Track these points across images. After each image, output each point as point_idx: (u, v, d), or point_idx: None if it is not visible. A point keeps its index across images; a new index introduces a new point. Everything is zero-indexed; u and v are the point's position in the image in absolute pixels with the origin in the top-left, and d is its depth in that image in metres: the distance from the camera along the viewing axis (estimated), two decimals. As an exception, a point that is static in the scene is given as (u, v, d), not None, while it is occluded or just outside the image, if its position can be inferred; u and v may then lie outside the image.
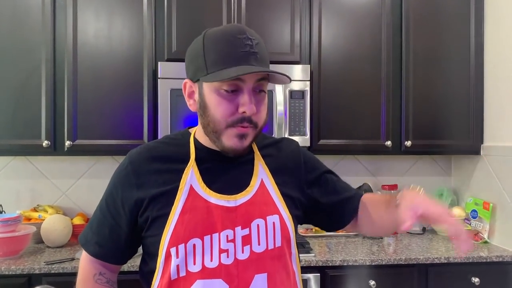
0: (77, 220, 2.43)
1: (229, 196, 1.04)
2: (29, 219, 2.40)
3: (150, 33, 2.32)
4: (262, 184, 1.09)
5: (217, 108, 1.00)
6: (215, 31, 1.02)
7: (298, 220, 1.14)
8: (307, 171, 1.18)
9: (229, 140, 1.02)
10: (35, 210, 2.47)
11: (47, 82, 2.26)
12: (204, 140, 1.09)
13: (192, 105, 1.08)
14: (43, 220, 2.32)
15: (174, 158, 1.08)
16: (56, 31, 2.28)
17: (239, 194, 1.05)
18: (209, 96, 1.01)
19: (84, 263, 1.13)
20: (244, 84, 0.99)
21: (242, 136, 1.02)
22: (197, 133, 1.11)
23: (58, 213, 2.44)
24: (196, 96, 1.06)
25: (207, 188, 1.04)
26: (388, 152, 2.48)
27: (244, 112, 0.99)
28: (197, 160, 1.07)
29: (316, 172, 1.20)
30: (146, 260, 1.09)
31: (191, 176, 1.05)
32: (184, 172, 1.05)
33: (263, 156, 1.13)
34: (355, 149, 2.46)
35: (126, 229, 1.07)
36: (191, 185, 1.04)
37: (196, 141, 1.11)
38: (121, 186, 1.07)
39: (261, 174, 1.10)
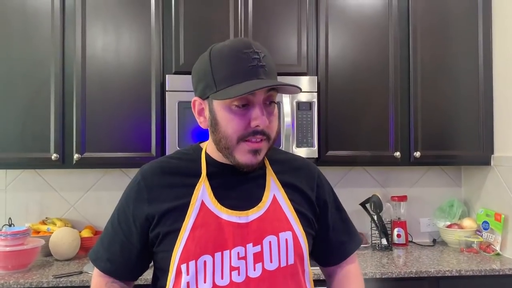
0: (86, 233, 2.43)
1: (240, 212, 1.02)
2: (38, 232, 2.41)
3: (157, 46, 2.33)
4: (274, 200, 1.07)
5: (229, 124, 0.99)
6: (221, 47, 1.02)
7: (311, 238, 1.12)
8: (317, 197, 1.15)
9: (243, 156, 1.01)
10: (43, 223, 2.48)
11: (56, 96, 2.28)
12: (216, 155, 1.08)
13: (202, 122, 1.07)
14: (52, 233, 2.32)
15: (186, 172, 1.07)
16: (65, 45, 2.31)
17: (251, 210, 1.03)
18: (220, 113, 1.00)
19: (95, 281, 1.13)
20: (255, 98, 0.99)
21: (256, 152, 1.01)
22: (209, 147, 1.10)
23: (67, 226, 2.44)
24: (207, 113, 1.05)
25: (218, 203, 1.03)
26: (397, 163, 2.46)
27: (257, 126, 0.98)
28: (208, 175, 1.06)
29: (322, 201, 1.16)
30: (157, 275, 1.09)
31: (202, 192, 1.04)
32: (196, 187, 1.04)
33: (275, 172, 1.11)
34: (364, 160, 2.44)
35: (138, 245, 1.06)
36: (202, 200, 1.03)
37: (207, 155, 1.10)
38: (133, 202, 1.07)
39: (274, 189, 1.08)
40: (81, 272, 2.06)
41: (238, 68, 0.97)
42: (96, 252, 1.12)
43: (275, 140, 1.06)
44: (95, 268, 1.12)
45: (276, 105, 1.05)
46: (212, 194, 1.04)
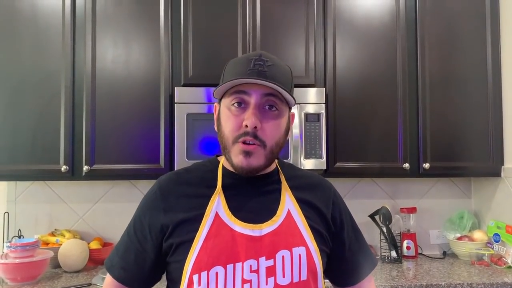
0: (94, 245, 2.44)
1: (254, 225, 1.02)
2: (47, 244, 2.42)
3: (166, 58, 2.35)
4: (289, 214, 1.06)
5: (227, 123, 1.05)
6: (236, 58, 1.10)
7: (326, 256, 1.11)
8: (332, 215, 1.14)
9: (236, 157, 1.03)
10: (52, 234, 2.49)
11: (66, 108, 2.30)
12: (232, 167, 1.09)
13: (216, 125, 1.13)
14: (61, 244, 2.33)
15: (201, 183, 1.09)
16: (75, 58, 2.34)
17: (264, 224, 1.03)
18: (222, 112, 1.07)
19: None
20: (250, 99, 1.02)
21: (247, 153, 1.02)
22: (225, 160, 1.12)
23: (76, 238, 2.45)
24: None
25: (232, 215, 1.03)
26: (406, 175, 2.44)
27: (246, 126, 1.01)
28: (224, 187, 1.08)
29: (338, 219, 1.16)
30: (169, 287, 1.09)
31: (217, 203, 1.04)
32: (211, 199, 1.05)
33: (291, 187, 1.12)
34: (373, 171, 2.43)
35: (152, 255, 1.07)
36: (216, 212, 1.03)
37: (223, 168, 1.12)
38: (149, 211, 1.08)
39: (288, 204, 1.08)
40: (89, 284, 2.06)
41: (238, 71, 1.04)
42: (111, 260, 1.12)
43: (273, 148, 1.05)
44: (107, 276, 1.13)
45: (279, 113, 1.05)
46: (226, 206, 1.04)
